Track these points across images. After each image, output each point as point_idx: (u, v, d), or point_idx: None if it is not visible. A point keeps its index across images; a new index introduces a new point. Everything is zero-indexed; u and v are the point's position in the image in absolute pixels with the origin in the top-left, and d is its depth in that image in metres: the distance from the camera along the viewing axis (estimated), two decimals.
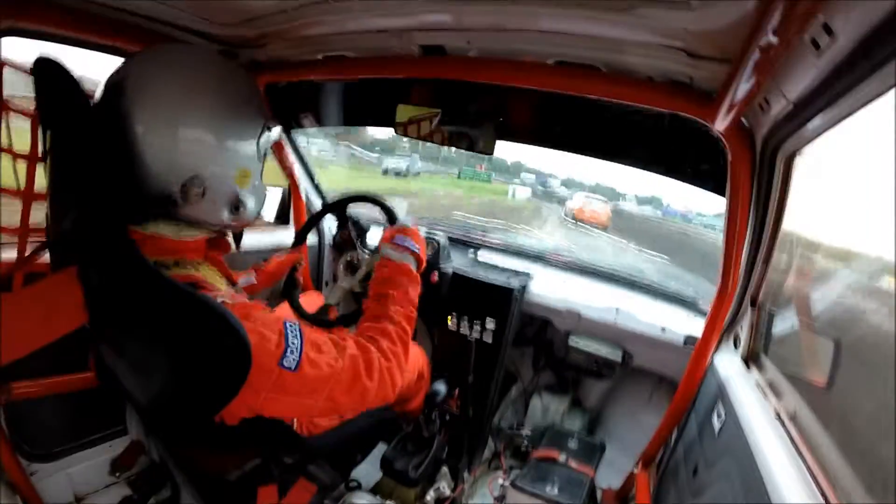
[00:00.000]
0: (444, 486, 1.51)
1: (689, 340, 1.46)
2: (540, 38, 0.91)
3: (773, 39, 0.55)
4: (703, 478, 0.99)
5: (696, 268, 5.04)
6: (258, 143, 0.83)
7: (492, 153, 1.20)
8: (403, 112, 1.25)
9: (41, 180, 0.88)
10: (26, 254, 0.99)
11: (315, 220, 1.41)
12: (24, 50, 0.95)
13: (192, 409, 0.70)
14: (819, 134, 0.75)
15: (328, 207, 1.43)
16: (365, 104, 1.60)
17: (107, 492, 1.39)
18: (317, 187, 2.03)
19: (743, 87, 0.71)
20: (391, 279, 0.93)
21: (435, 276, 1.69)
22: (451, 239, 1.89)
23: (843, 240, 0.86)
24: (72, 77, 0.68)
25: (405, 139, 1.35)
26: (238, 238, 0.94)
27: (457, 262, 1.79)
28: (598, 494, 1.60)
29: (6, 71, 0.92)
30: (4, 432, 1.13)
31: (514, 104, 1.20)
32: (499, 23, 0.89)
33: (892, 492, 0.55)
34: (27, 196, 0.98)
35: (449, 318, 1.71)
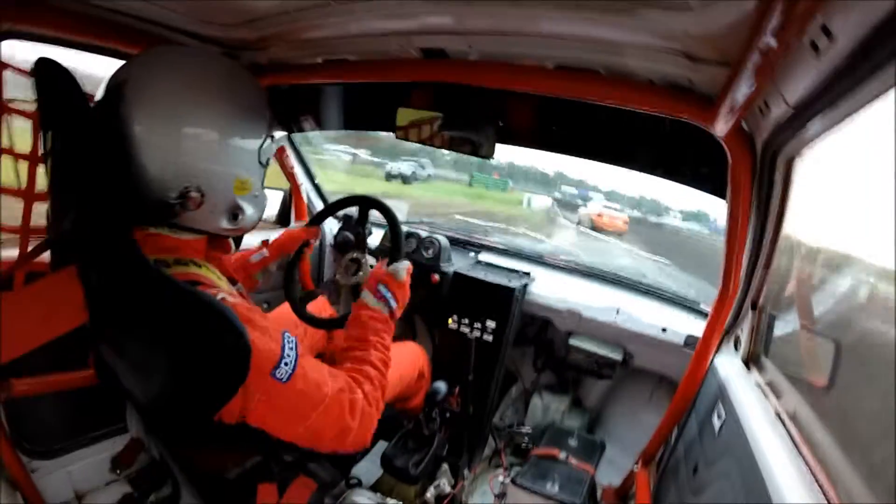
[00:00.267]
0: (445, 483, 1.52)
1: (690, 341, 1.46)
2: (540, 41, 0.91)
3: (773, 42, 0.55)
4: (703, 476, 0.99)
5: None
6: (260, 151, 0.82)
7: (492, 157, 1.19)
8: (404, 116, 1.25)
9: (42, 181, 0.88)
10: (27, 253, 0.99)
11: (339, 206, 1.35)
12: (22, 50, 0.96)
13: (192, 408, 0.70)
14: (819, 137, 0.76)
15: (356, 199, 1.32)
16: (366, 108, 1.60)
17: (107, 489, 1.40)
18: (318, 189, 2.04)
19: (742, 91, 0.71)
20: (369, 325, 0.90)
21: (435, 277, 1.69)
22: (451, 240, 1.90)
23: (844, 243, 0.86)
24: (72, 78, 0.68)
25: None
26: (238, 239, 0.94)
27: (458, 263, 1.80)
28: (599, 492, 1.60)
29: (6, 72, 0.92)
30: (5, 429, 1.14)
31: (515, 107, 1.20)
32: (499, 26, 0.89)
33: (892, 491, 0.55)
34: (28, 196, 0.99)
35: (450, 319, 1.71)
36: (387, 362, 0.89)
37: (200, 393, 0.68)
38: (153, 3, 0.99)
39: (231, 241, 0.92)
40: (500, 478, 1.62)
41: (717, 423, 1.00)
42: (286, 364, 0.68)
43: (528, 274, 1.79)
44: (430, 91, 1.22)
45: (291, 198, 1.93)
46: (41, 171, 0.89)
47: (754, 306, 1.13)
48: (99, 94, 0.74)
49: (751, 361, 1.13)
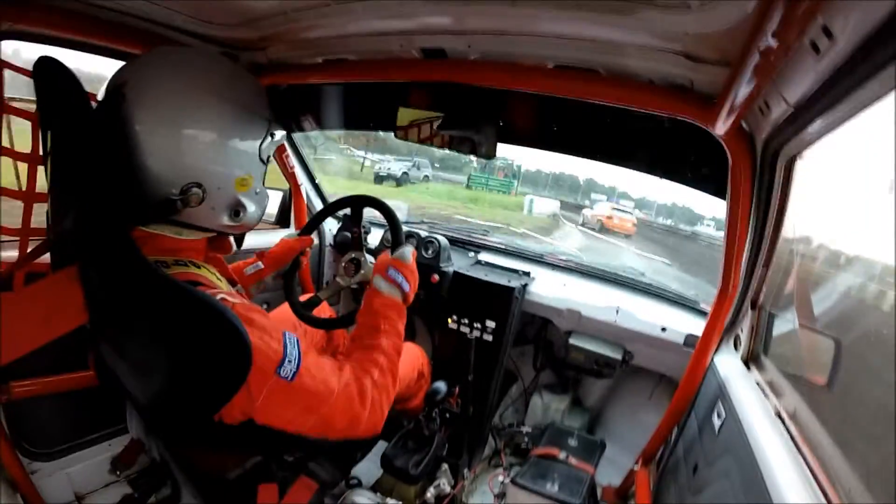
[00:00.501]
0: (445, 483, 1.52)
1: (690, 340, 1.47)
2: (540, 41, 0.91)
3: (773, 42, 0.56)
4: (703, 475, 0.99)
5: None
6: (261, 148, 0.83)
7: (493, 157, 1.19)
8: (404, 115, 1.25)
9: (42, 181, 0.88)
10: (27, 254, 0.99)
11: (332, 210, 1.35)
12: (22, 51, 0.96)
13: (192, 408, 0.70)
14: (819, 137, 0.76)
15: (346, 201, 1.30)
16: (366, 107, 1.60)
17: (107, 490, 1.39)
18: (318, 189, 2.03)
19: (743, 91, 0.71)
20: (381, 312, 0.90)
21: (435, 277, 1.69)
22: (451, 240, 1.89)
23: (843, 242, 0.86)
24: (73, 77, 0.68)
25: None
26: (240, 239, 0.94)
27: (457, 263, 1.80)
28: (599, 492, 1.60)
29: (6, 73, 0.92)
30: (5, 431, 1.14)
31: (516, 107, 1.20)
32: (499, 26, 0.90)
33: (892, 490, 0.55)
34: (28, 196, 0.98)
35: (449, 318, 1.71)
36: (399, 349, 0.88)
37: (200, 393, 0.67)
38: (153, 2, 0.99)
39: (232, 240, 0.92)
40: (500, 478, 1.61)
41: (716, 422, 1.00)
42: (290, 362, 0.68)
43: (527, 273, 1.79)
44: (430, 91, 1.22)
45: (291, 198, 1.93)
46: (41, 171, 0.89)
47: (754, 305, 1.13)
48: (100, 94, 0.74)
49: (751, 360, 1.13)
